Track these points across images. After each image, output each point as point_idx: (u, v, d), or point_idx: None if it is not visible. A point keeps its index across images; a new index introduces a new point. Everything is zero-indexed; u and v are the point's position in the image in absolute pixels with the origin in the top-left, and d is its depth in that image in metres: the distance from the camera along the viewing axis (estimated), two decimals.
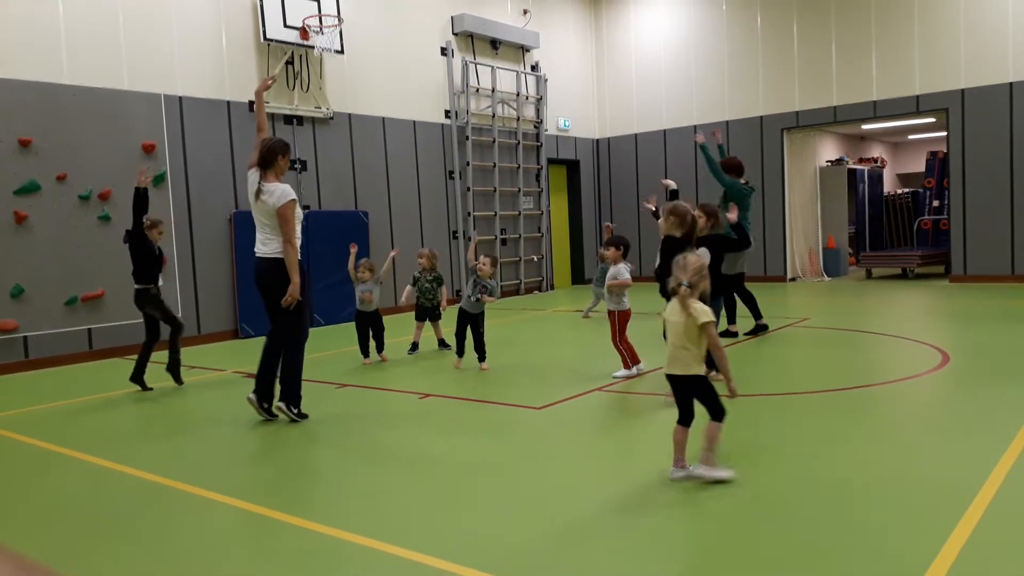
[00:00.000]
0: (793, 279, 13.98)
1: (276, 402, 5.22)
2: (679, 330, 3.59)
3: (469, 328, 6.76)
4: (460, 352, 6.84)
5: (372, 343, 7.49)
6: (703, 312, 3.55)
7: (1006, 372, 5.84)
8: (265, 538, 3.30)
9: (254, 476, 4.23)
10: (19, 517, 3.76)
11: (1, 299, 7.92)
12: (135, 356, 8.63)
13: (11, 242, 7.98)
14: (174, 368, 6.79)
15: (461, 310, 6.77)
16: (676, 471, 3.69)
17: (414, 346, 7.87)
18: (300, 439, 4.90)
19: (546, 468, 4.11)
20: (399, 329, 9.14)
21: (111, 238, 8.68)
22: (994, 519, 3.07)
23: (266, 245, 5.06)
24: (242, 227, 9.78)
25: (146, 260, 6.67)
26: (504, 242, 13.67)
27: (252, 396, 5.23)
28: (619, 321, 6.16)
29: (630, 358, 6.21)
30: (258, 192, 5.00)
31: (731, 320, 7.89)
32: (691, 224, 5.19)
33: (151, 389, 6.62)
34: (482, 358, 6.74)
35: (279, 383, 5.22)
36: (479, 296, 6.60)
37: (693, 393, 3.67)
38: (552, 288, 14.70)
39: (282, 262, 4.98)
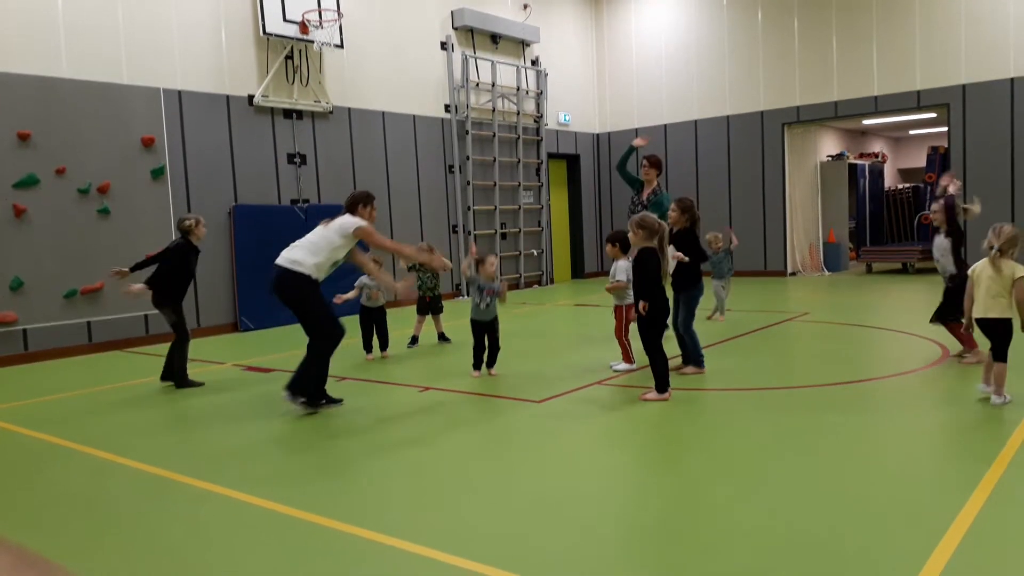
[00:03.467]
0: (793, 273, 13.98)
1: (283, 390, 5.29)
2: (995, 283, 4.60)
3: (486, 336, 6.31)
4: (478, 365, 6.32)
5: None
6: (1019, 268, 4.55)
7: None
8: (265, 531, 3.30)
9: (254, 469, 4.23)
10: (19, 509, 3.76)
11: (0, 292, 7.91)
12: (135, 349, 8.67)
13: (10, 235, 7.97)
14: (171, 373, 6.48)
15: (473, 321, 6.28)
16: (986, 388, 4.80)
17: (414, 339, 7.88)
18: (302, 432, 4.90)
19: (548, 462, 4.11)
20: (399, 323, 9.14)
21: (110, 231, 8.68)
22: (991, 515, 3.07)
23: (285, 254, 5.23)
24: (241, 221, 9.77)
25: (184, 279, 6.39)
26: (504, 236, 13.66)
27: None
28: (625, 316, 6.18)
29: (625, 355, 6.23)
30: (329, 220, 5.35)
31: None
32: (660, 232, 5.23)
33: (202, 384, 6.48)
34: (492, 363, 6.32)
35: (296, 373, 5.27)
36: (488, 302, 6.19)
37: (998, 332, 4.65)
38: (552, 282, 14.70)
39: (288, 271, 5.12)
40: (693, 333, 5.97)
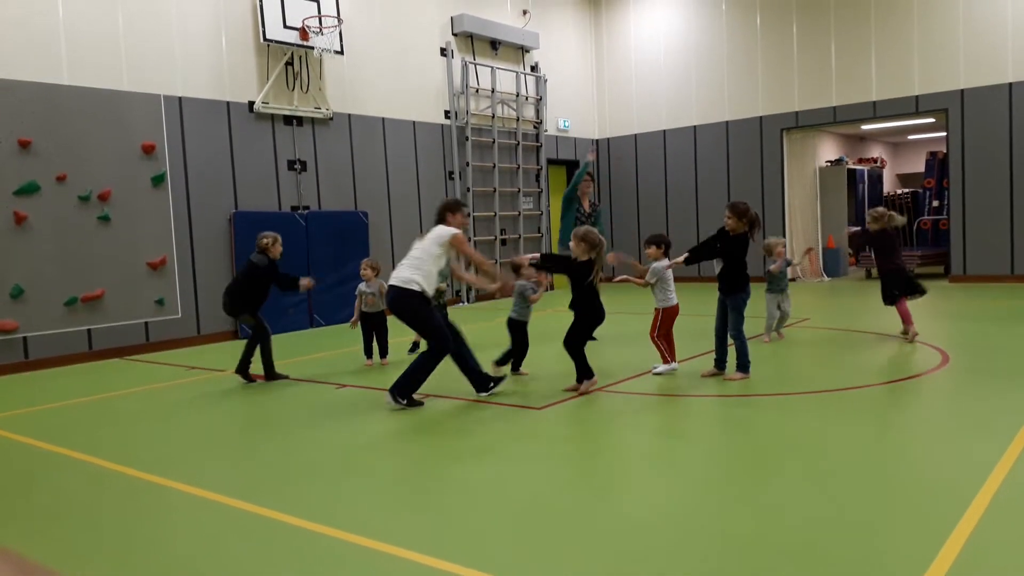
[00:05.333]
0: (793, 279, 13.97)
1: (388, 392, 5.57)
2: None
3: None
4: (516, 366, 6.59)
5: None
6: None
7: (1006, 372, 5.84)
8: (264, 537, 3.30)
9: (254, 475, 4.23)
10: (19, 518, 3.76)
11: (1, 299, 7.91)
12: (135, 357, 8.66)
13: (11, 242, 7.98)
14: (246, 368, 6.83)
15: (511, 320, 6.50)
16: None
17: (414, 345, 7.88)
18: (298, 439, 4.90)
19: (547, 468, 4.11)
20: (405, 329, 9.14)
21: (111, 238, 8.69)
22: (994, 519, 3.07)
23: (396, 273, 5.55)
24: (241, 227, 9.78)
25: (264, 293, 6.82)
26: (504, 242, 13.67)
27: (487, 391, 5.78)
28: (663, 317, 6.22)
29: (669, 354, 6.25)
30: (424, 233, 5.72)
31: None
32: (600, 247, 5.64)
33: (254, 381, 6.78)
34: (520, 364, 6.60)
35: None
36: (530, 302, 6.38)
37: None
38: (552, 288, 14.67)
39: (402, 290, 5.43)
40: (743, 337, 5.96)
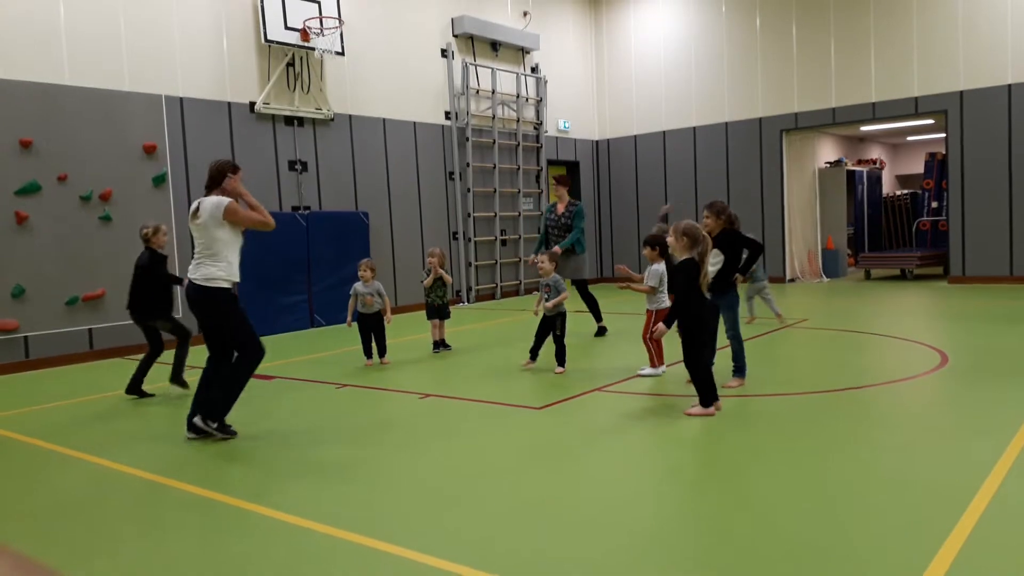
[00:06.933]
0: (792, 280, 13.99)
1: (195, 419, 4.93)
2: None
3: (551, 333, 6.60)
4: (533, 356, 6.73)
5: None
6: None
7: (1005, 373, 5.85)
8: (264, 537, 3.31)
9: (255, 476, 4.24)
10: (20, 516, 3.77)
11: (2, 299, 7.93)
12: (137, 356, 8.67)
13: (12, 242, 7.99)
14: (179, 375, 6.49)
15: (543, 315, 6.66)
16: None
17: (435, 345, 7.95)
18: (300, 438, 4.91)
19: (545, 468, 4.13)
20: (404, 328, 9.16)
21: (112, 238, 8.70)
22: (993, 520, 3.08)
23: (194, 270, 4.83)
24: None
25: (161, 289, 6.19)
26: (504, 243, 13.69)
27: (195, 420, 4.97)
28: (655, 319, 6.17)
29: (658, 357, 6.24)
30: (195, 212, 4.81)
31: (598, 318, 8.68)
32: (704, 244, 5.07)
33: (153, 395, 6.46)
34: (560, 363, 6.53)
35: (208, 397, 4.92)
36: (546, 298, 6.49)
37: None
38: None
39: (206, 290, 4.75)
40: (740, 338, 5.74)
